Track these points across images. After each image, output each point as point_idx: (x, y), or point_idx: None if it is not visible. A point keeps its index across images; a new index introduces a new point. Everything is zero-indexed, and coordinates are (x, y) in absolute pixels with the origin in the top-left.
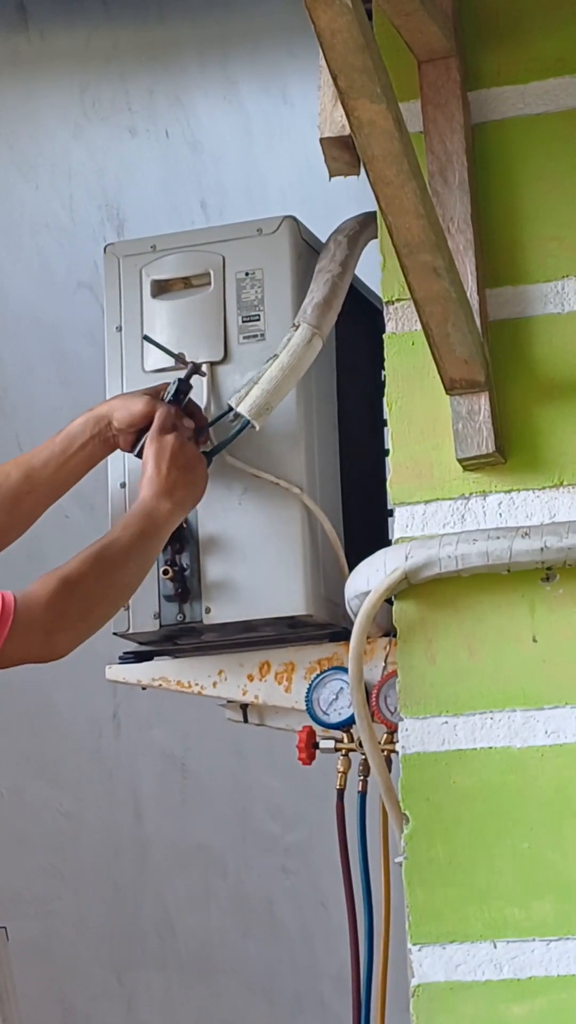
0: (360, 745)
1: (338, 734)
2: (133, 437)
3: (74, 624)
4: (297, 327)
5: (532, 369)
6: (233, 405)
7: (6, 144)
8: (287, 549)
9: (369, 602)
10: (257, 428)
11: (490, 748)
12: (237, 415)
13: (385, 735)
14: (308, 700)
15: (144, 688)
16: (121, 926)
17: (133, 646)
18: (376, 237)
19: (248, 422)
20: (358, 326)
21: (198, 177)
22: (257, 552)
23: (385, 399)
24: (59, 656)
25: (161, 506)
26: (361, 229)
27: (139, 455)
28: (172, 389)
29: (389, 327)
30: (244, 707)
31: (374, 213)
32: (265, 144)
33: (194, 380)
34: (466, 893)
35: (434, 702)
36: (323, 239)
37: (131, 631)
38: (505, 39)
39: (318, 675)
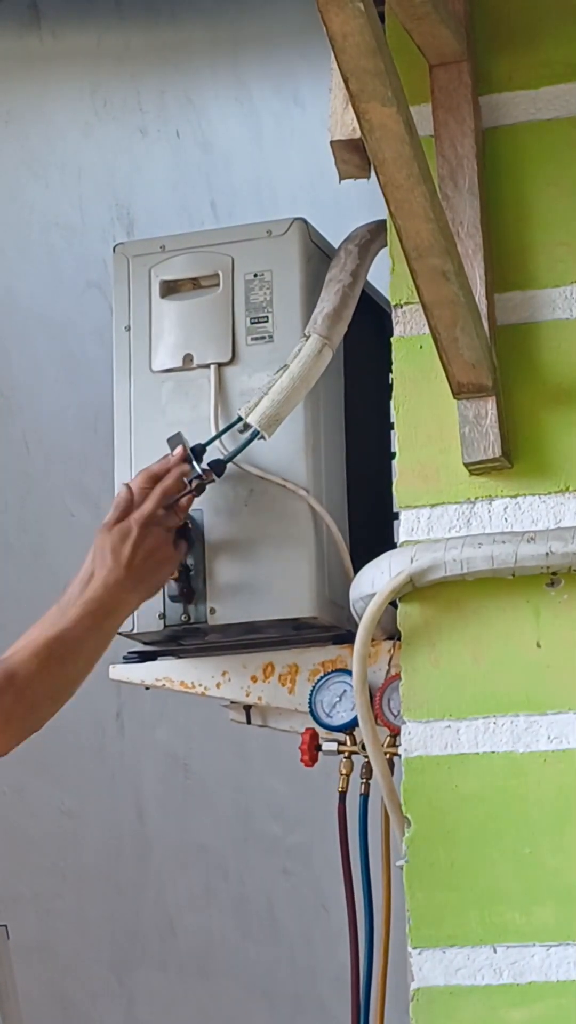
0: (363, 748)
1: (341, 736)
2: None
3: (17, 724)
4: (307, 337)
5: (540, 374)
6: (243, 415)
7: (17, 143)
8: (293, 551)
9: (374, 605)
10: (267, 439)
11: (493, 753)
12: (247, 425)
13: (388, 738)
14: (311, 702)
15: (148, 688)
16: (122, 926)
17: (137, 646)
18: (387, 245)
19: (258, 432)
20: (366, 329)
21: (208, 178)
22: (263, 554)
23: (392, 402)
24: None
25: (125, 599)
26: (372, 238)
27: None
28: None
29: (397, 330)
30: (247, 708)
31: (385, 221)
32: (276, 146)
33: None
34: (467, 897)
35: (437, 706)
36: (333, 242)
37: (135, 631)
38: (517, 44)
39: (321, 677)
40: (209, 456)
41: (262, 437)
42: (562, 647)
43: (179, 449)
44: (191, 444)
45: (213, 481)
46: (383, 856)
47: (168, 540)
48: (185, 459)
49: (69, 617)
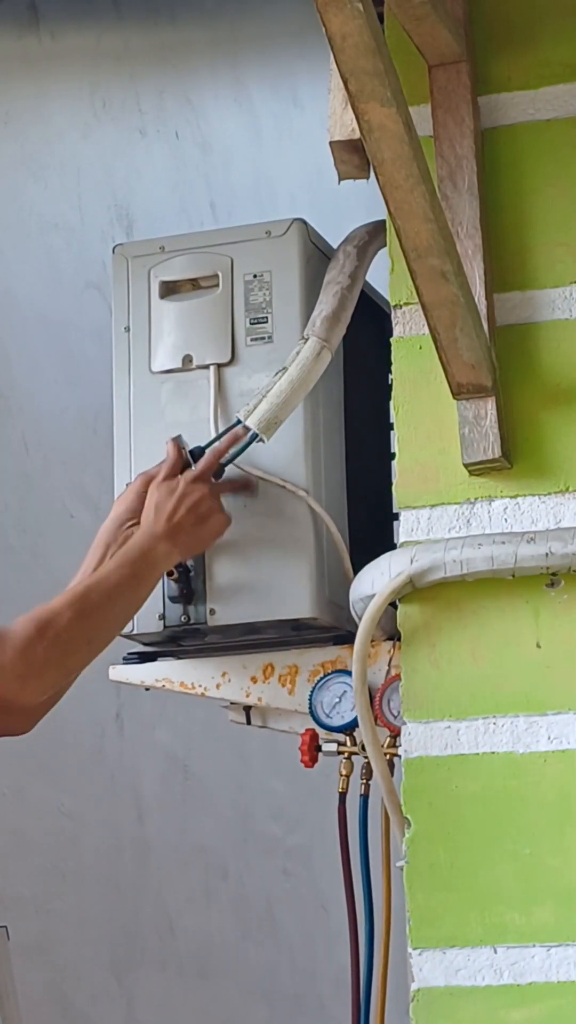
0: (363, 748)
1: (341, 737)
2: None
3: (49, 672)
4: (306, 340)
5: (539, 374)
6: (242, 418)
7: (16, 144)
8: (292, 552)
9: (374, 605)
10: (266, 442)
11: (493, 753)
12: (246, 428)
13: (388, 739)
14: (311, 703)
15: (147, 689)
16: (121, 926)
17: (137, 647)
18: (386, 246)
19: (257, 435)
20: (365, 329)
21: (207, 178)
22: (262, 554)
23: (392, 403)
24: (28, 703)
25: (160, 548)
26: (371, 239)
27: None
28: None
29: (397, 331)
30: (247, 709)
31: (384, 222)
32: (275, 146)
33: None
34: (467, 898)
35: (437, 706)
36: (332, 242)
37: (135, 632)
38: (516, 44)
39: (321, 678)
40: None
41: (261, 440)
42: (562, 647)
43: (171, 444)
44: (190, 447)
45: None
46: (383, 857)
47: (214, 499)
48: (183, 462)
49: (106, 567)
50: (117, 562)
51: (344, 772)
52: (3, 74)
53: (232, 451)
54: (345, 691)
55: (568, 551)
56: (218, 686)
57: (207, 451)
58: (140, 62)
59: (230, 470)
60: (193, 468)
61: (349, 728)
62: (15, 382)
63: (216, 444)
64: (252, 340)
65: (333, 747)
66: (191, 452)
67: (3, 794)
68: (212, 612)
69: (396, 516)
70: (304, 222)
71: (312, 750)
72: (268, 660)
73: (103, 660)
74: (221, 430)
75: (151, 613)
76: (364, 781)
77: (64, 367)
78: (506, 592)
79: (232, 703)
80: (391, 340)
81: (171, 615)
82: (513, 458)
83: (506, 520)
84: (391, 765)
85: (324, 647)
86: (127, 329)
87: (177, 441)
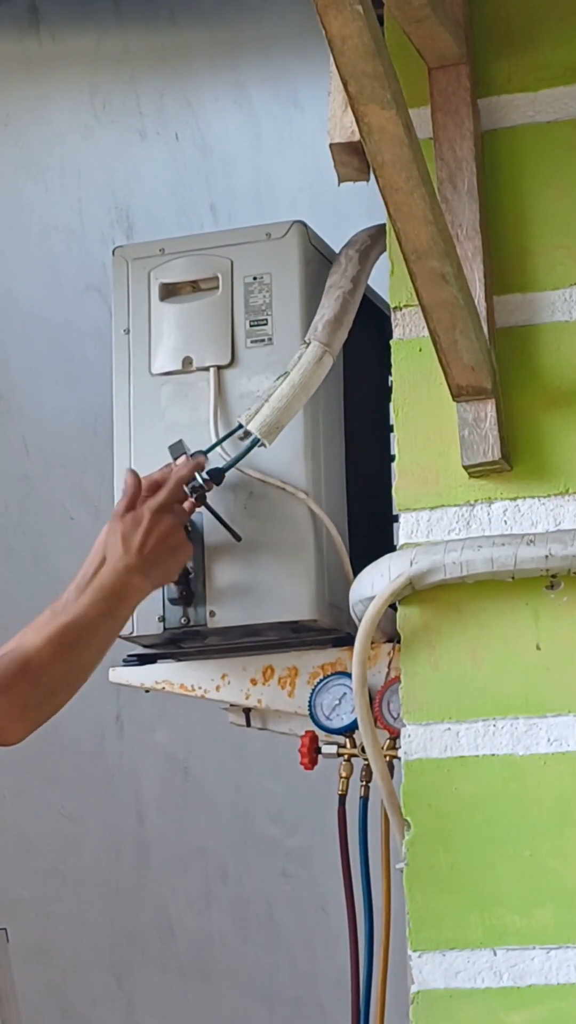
0: (362, 750)
1: (341, 739)
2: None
3: (31, 712)
4: (307, 344)
5: (539, 377)
6: (243, 423)
7: (16, 146)
8: (292, 554)
9: (373, 607)
10: (268, 446)
11: (492, 755)
12: (247, 433)
13: (387, 741)
14: (311, 705)
15: (147, 691)
16: (121, 928)
17: (137, 649)
18: (387, 250)
19: (258, 440)
20: (365, 331)
21: (207, 181)
22: (262, 556)
23: (391, 405)
24: (11, 743)
25: (134, 581)
26: (372, 243)
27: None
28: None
29: (396, 333)
30: (247, 711)
31: (385, 226)
32: (275, 148)
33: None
34: (467, 900)
35: (437, 708)
36: (332, 244)
37: (135, 634)
38: (516, 47)
39: (321, 680)
40: (210, 462)
41: (262, 445)
42: (562, 649)
43: (128, 473)
44: (191, 451)
45: (212, 489)
46: (383, 859)
47: (180, 528)
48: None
49: (81, 603)
50: (91, 598)
51: (344, 774)
52: (3, 76)
53: (234, 455)
54: (345, 693)
55: (568, 553)
56: (218, 688)
57: (170, 479)
58: (140, 64)
59: (232, 475)
60: (156, 497)
61: (349, 730)
62: (15, 384)
63: (179, 471)
64: (252, 342)
65: (333, 749)
66: (192, 455)
67: (3, 796)
68: (212, 614)
69: (396, 518)
70: (304, 224)
71: (312, 752)
72: (268, 662)
73: (103, 662)
74: (221, 432)
75: (151, 615)
76: (364, 783)
77: (64, 369)
78: (506, 594)
79: (232, 705)
80: (391, 342)
81: (171, 617)
82: (513, 460)
83: (506, 522)
84: (391, 767)
85: (324, 649)
86: (127, 331)
87: (132, 471)
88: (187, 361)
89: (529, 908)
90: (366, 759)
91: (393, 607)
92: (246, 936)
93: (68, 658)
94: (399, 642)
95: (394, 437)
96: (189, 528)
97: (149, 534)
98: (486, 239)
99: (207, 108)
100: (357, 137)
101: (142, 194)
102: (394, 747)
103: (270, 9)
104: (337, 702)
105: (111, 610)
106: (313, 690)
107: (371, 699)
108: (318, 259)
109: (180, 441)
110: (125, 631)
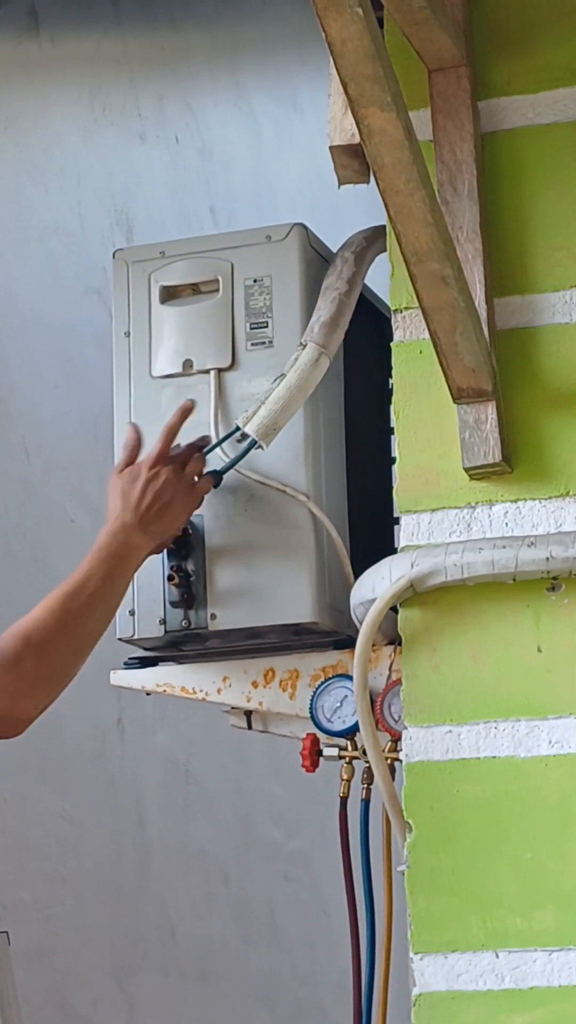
0: (364, 753)
1: (342, 742)
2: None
3: (40, 686)
4: (304, 346)
5: (539, 379)
6: (240, 425)
7: (16, 148)
8: (293, 556)
9: (374, 610)
10: (265, 448)
11: (494, 758)
12: (244, 435)
13: (389, 743)
14: (312, 707)
15: (148, 694)
16: (122, 931)
17: (138, 651)
18: (384, 251)
19: (255, 442)
20: (366, 334)
21: (207, 183)
22: (263, 559)
23: (392, 407)
24: (25, 722)
25: (133, 539)
26: (368, 245)
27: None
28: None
29: (397, 335)
30: (248, 714)
31: (382, 227)
32: (275, 151)
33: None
34: (468, 902)
35: (438, 711)
36: (332, 247)
37: (136, 637)
38: (515, 49)
39: (322, 682)
40: (209, 464)
41: (260, 447)
42: (563, 651)
43: (130, 428)
44: None
45: (210, 491)
46: (384, 861)
47: (179, 481)
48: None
49: (80, 570)
50: (89, 563)
51: (345, 777)
52: (3, 79)
53: (232, 457)
54: (346, 695)
55: (569, 555)
56: (219, 691)
57: (162, 430)
58: (140, 67)
59: (231, 476)
60: (150, 450)
61: (350, 733)
62: (15, 387)
63: (170, 421)
64: (252, 345)
65: (334, 752)
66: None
67: (4, 799)
68: (213, 617)
69: (397, 520)
70: (304, 227)
71: (313, 755)
72: (269, 664)
73: (104, 665)
74: (221, 434)
75: (152, 618)
76: (365, 786)
77: (64, 372)
78: (507, 596)
79: (233, 708)
80: (391, 344)
81: (172, 620)
82: (514, 462)
83: (507, 524)
84: (392, 769)
85: (325, 651)
86: (127, 334)
87: (134, 425)
88: (187, 364)
89: (531, 910)
90: (367, 761)
91: (394, 609)
92: (247, 939)
93: (71, 628)
94: (400, 644)
95: (395, 439)
96: (190, 531)
97: (146, 488)
98: (486, 241)
99: (207, 111)
100: (357, 139)
101: (142, 197)
102: (395, 749)
103: (270, 12)
104: (338, 704)
105: (110, 573)
106: (314, 692)
107: (372, 701)
108: (318, 261)
109: (178, 445)
110: (126, 634)
